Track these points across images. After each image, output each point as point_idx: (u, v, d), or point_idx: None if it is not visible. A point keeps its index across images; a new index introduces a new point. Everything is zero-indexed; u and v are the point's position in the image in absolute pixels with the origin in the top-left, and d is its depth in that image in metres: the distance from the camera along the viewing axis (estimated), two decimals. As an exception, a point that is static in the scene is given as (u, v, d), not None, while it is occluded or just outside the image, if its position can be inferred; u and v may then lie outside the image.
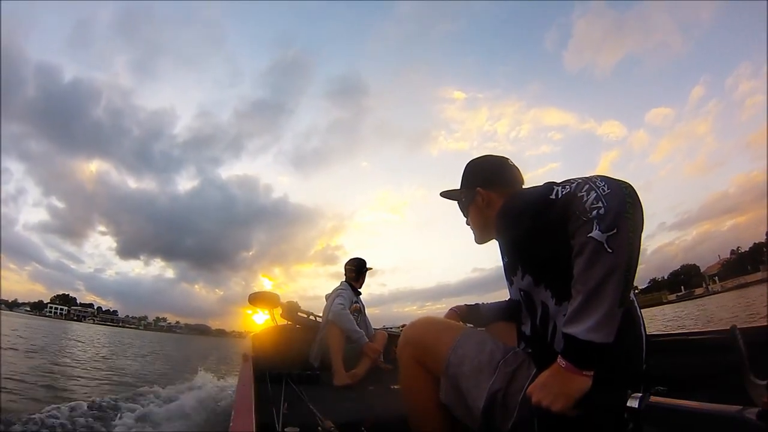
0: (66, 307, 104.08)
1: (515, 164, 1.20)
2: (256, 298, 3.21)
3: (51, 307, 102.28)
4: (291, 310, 3.18)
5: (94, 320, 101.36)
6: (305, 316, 3.21)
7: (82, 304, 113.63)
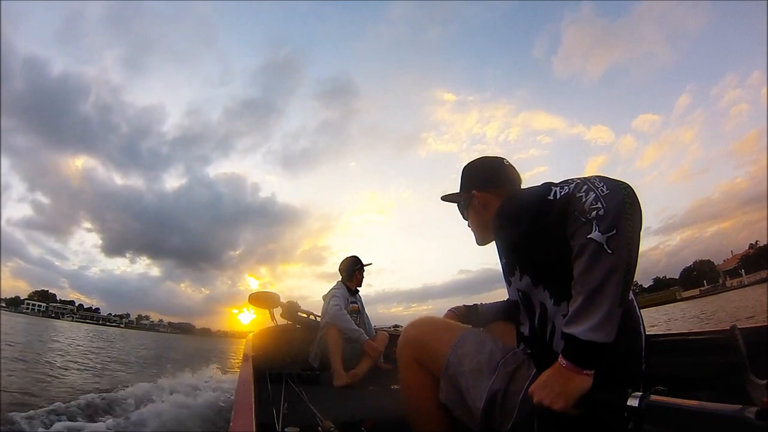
0: (44, 304, 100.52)
1: (512, 164, 1.21)
2: (257, 298, 3.21)
3: (28, 304, 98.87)
4: (291, 310, 3.17)
5: (73, 318, 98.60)
6: (305, 316, 3.21)
7: (62, 301, 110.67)
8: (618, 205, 0.75)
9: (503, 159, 1.21)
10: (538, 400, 0.81)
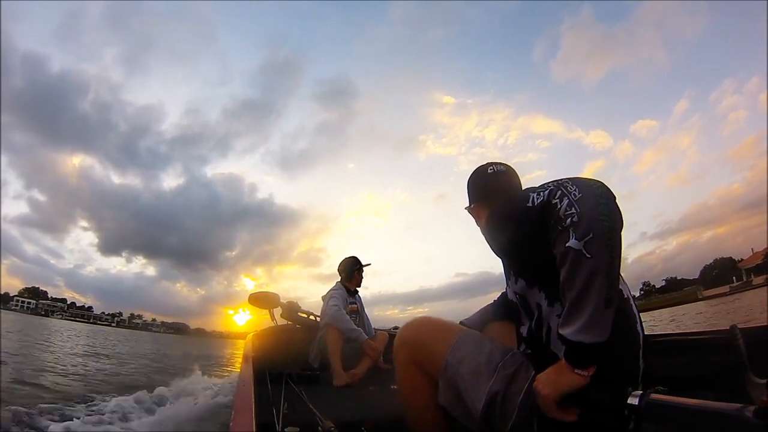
0: (34, 301, 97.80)
1: (499, 169, 1.20)
2: (257, 298, 3.20)
3: (17, 301, 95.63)
4: (291, 310, 3.17)
5: (63, 315, 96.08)
6: (305, 316, 3.21)
7: (53, 299, 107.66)
8: (591, 207, 0.76)
9: (487, 167, 1.22)
10: (535, 385, 0.85)
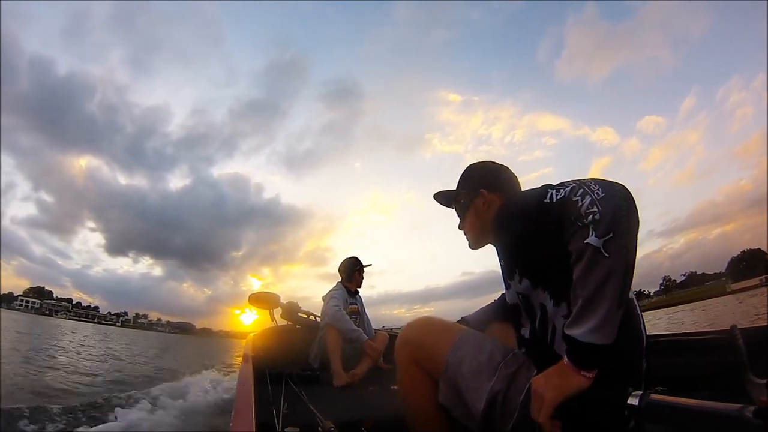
0: (38, 301, 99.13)
1: (503, 165, 1.23)
2: (257, 298, 3.21)
3: (21, 300, 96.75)
4: (291, 310, 3.18)
5: (67, 315, 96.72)
6: (305, 316, 3.21)
7: (58, 298, 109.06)
8: (614, 208, 0.76)
9: (506, 167, 1.23)
10: (535, 388, 0.83)
